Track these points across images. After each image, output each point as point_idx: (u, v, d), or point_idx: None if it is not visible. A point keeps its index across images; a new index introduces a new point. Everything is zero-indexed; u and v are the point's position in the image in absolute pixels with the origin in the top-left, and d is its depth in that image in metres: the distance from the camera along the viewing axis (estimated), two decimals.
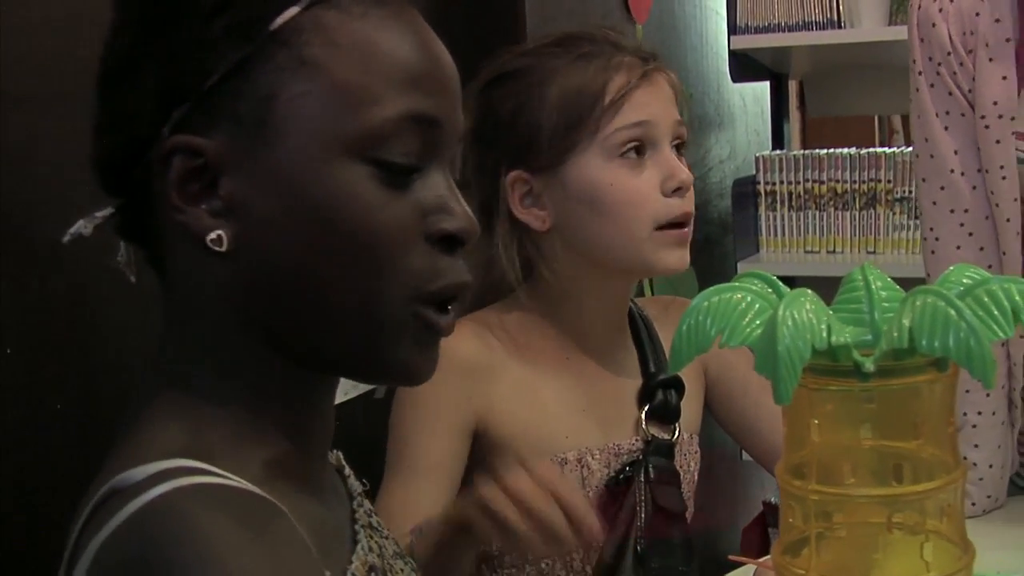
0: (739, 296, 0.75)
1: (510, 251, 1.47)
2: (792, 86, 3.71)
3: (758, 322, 0.74)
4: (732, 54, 3.17)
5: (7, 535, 1.28)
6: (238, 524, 0.72)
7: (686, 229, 1.45)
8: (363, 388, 1.90)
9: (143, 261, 0.88)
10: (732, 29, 3.10)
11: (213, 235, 0.79)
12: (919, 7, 1.60)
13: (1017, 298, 0.71)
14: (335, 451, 1.00)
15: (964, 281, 0.78)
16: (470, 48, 1.59)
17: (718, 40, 3.22)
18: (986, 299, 0.70)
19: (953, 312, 0.67)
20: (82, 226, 0.84)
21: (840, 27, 3.00)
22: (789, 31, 3.04)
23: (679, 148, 1.47)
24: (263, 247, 0.80)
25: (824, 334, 0.68)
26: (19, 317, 1.29)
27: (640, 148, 1.43)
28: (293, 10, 0.79)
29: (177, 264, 0.84)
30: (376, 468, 1.91)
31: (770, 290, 0.79)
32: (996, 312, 0.69)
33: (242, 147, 0.79)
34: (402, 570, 0.98)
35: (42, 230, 0.84)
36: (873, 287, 0.80)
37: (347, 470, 1.01)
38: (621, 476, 1.47)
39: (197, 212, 0.80)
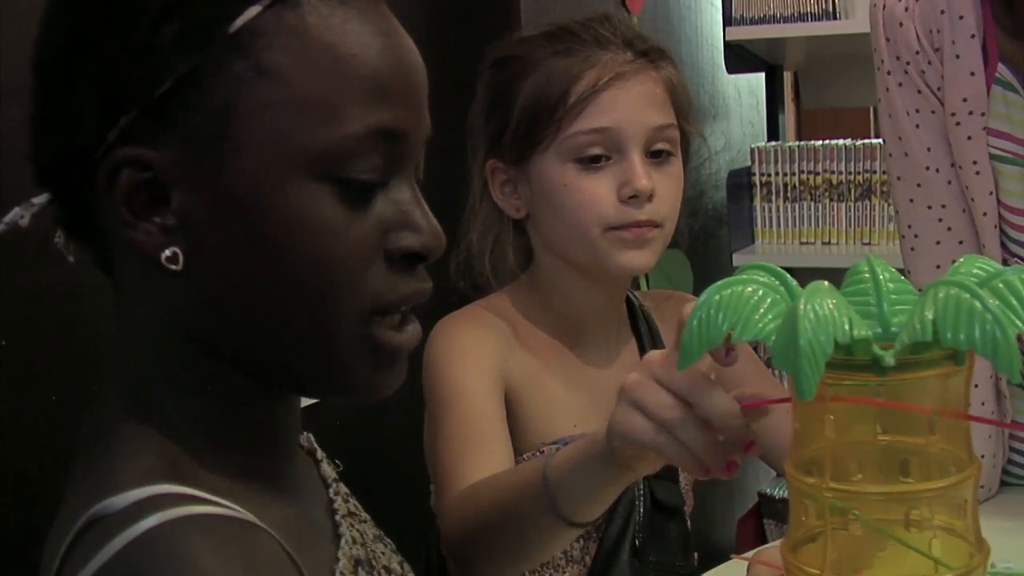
0: (750, 289, 0.73)
1: (484, 239, 1.48)
2: (787, 77, 3.70)
3: (770, 316, 0.72)
4: (727, 45, 3.17)
5: (3, 526, 1.27)
6: (232, 557, 0.70)
7: (644, 229, 1.40)
8: None
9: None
10: (727, 20, 3.09)
11: (168, 252, 0.75)
12: (883, 7, 1.60)
13: None
14: (306, 433, 0.99)
15: (976, 272, 0.76)
16: (464, 38, 1.59)
17: (713, 31, 3.21)
18: (1005, 290, 0.69)
19: (978, 304, 0.66)
20: (18, 215, 0.80)
21: (835, 18, 3.00)
22: (784, 22, 3.04)
23: (661, 152, 1.42)
24: (216, 266, 0.76)
25: (846, 327, 0.67)
26: (13, 309, 1.27)
27: (601, 153, 1.39)
28: (254, 10, 0.74)
29: (126, 276, 0.80)
30: (372, 456, 1.90)
31: (778, 282, 0.78)
32: (1016, 303, 0.68)
33: (195, 161, 0.75)
34: (383, 553, 0.97)
35: (35, 221, 0.82)
36: (881, 279, 0.78)
37: (319, 453, 0.99)
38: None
39: (149, 228, 0.76)
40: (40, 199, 0.81)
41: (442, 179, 1.53)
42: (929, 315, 0.68)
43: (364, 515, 0.99)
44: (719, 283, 0.75)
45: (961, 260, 0.79)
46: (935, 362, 0.71)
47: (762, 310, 0.73)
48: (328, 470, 0.98)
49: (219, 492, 0.75)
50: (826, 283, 0.71)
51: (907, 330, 0.68)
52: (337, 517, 0.91)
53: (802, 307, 0.66)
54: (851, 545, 0.77)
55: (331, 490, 0.95)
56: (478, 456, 1.31)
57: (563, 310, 1.50)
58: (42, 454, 1.29)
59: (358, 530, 0.94)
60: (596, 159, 1.39)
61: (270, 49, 0.74)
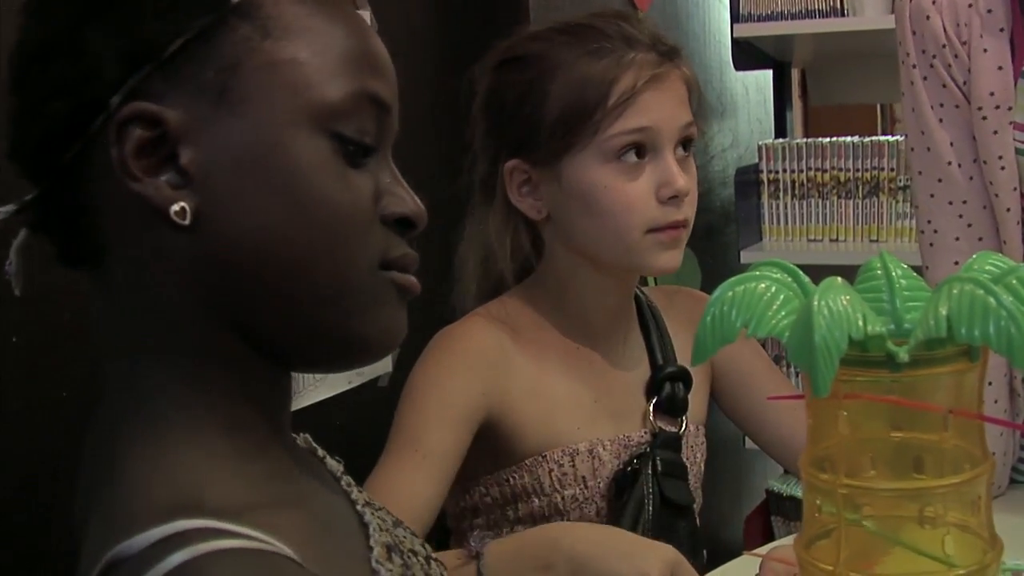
0: (764, 286, 0.73)
1: (503, 237, 1.48)
2: (795, 74, 3.70)
3: (783, 312, 0.72)
4: (735, 42, 3.16)
5: (10, 522, 1.28)
6: None
7: (679, 230, 1.43)
8: (367, 375, 1.89)
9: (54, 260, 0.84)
10: (735, 17, 3.09)
11: (177, 207, 0.76)
12: (910, 0, 1.60)
13: None
14: (303, 434, 0.99)
15: (989, 269, 0.76)
16: (472, 32, 1.59)
17: (721, 28, 3.21)
18: (1019, 287, 0.69)
19: (993, 300, 0.66)
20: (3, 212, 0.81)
21: (843, 15, 2.99)
22: (792, 19, 3.03)
23: (686, 147, 1.45)
24: (228, 220, 0.77)
25: (860, 324, 0.67)
26: (24, 307, 1.28)
27: (640, 152, 1.40)
28: None
29: (127, 248, 0.79)
30: (374, 455, 1.91)
31: (791, 279, 0.78)
32: None
33: (204, 116, 0.77)
34: (406, 537, 0.97)
35: None
36: (893, 275, 0.79)
37: (320, 451, 1.00)
38: (628, 469, 1.46)
39: (157, 183, 0.77)
40: (5, 209, 0.81)
41: (454, 180, 1.53)
42: (943, 311, 0.68)
43: (377, 503, 0.99)
44: (732, 279, 0.75)
45: (974, 257, 0.79)
46: (949, 358, 0.71)
47: (775, 306, 0.73)
48: (334, 464, 0.99)
49: (236, 509, 0.74)
50: (840, 279, 0.71)
51: (922, 326, 0.68)
52: (359, 507, 0.92)
53: (816, 303, 0.66)
54: (864, 541, 0.78)
55: (343, 482, 0.96)
56: (395, 493, 1.31)
57: (574, 311, 1.49)
58: (51, 452, 1.29)
59: (379, 516, 0.94)
60: (640, 154, 1.40)
61: (271, 17, 0.78)
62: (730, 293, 0.74)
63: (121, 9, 0.77)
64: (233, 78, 0.77)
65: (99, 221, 0.80)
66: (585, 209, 1.42)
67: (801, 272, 0.79)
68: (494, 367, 1.43)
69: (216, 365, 0.80)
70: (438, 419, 1.39)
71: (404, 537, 0.97)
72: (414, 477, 1.34)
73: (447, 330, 1.48)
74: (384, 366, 1.94)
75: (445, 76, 2.01)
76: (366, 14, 1.85)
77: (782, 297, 0.73)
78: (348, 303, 0.80)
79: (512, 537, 1.25)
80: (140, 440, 0.78)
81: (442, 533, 1.55)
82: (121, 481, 0.76)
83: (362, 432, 1.90)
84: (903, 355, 0.68)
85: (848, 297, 0.68)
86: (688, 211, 1.43)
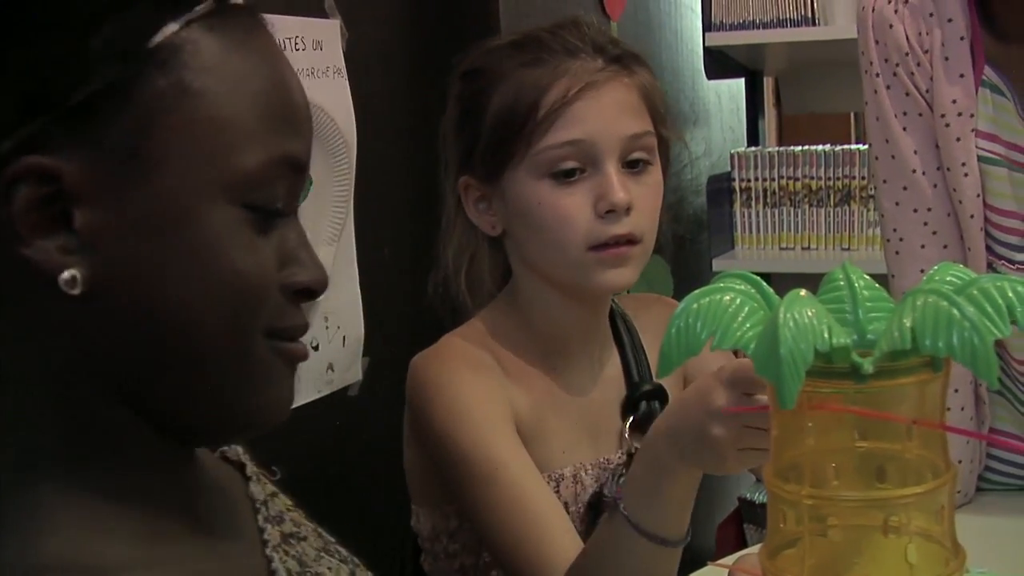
0: (728, 297, 0.74)
1: (460, 257, 1.44)
2: (767, 83, 3.72)
3: (749, 324, 0.72)
4: (707, 51, 3.18)
5: None
6: None
7: (624, 247, 1.35)
8: (337, 385, 1.89)
9: None
10: (707, 26, 3.11)
11: (66, 275, 0.71)
12: (872, 9, 1.61)
13: (1011, 295, 0.70)
14: (235, 447, 0.96)
15: (951, 280, 0.77)
16: (443, 44, 1.59)
17: (693, 37, 3.22)
18: (980, 298, 0.69)
19: (956, 311, 0.66)
20: None
21: (815, 24, 3.02)
22: (764, 28, 3.06)
23: (639, 163, 1.37)
24: (124, 289, 0.72)
25: (826, 336, 0.67)
26: None
27: (575, 167, 1.34)
28: (172, 27, 0.73)
29: (14, 305, 0.74)
30: (343, 464, 1.90)
31: (754, 290, 0.78)
32: (991, 310, 0.68)
33: (106, 176, 0.71)
34: (330, 568, 0.93)
35: None
36: (856, 286, 0.79)
37: (249, 469, 0.96)
38: (605, 492, 1.42)
39: (45, 246, 0.71)
40: None
41: (428, 193, 1.52)
42: (908, 323, 0.68)
43: (304, 531, 0.95)
44: (697, 291, 0.75)
45: (936, 268, 0.80)
46: (913, 369, 0.71)
47: (740, 318, 0.73)
48: (258, 489, 0.94)
49: (122, 567, 0.72)
50: (804, 291, 0.71)
51: (886, 338, 0.69)
52: (268, 550, 0.87)
53: (782, 316, 0.67)
54: (829, 551, 0.78)
55: (260, 516, 0.91)
56: (549, 533, 1.29)
57: (545, 330, 1.44)
58: None
59: (294, 556, 0.90)
60: (570, 173, 1.34)
61: (189, 68, 0.73)
62: (695, 305, 0.74)
63: (20, 49, 0.71)
64: (144, 139, 0.72)
65: None
66: (524, 225, 1.38)
67: (764, 283, 0.79)
68: (503, 384, 1.40)
69: (98, 431, 0.76)
70: (492, 429, 1.34)
71: (328, 568, 0.93)
72: (524, 487, 1.31)
73: (432, 353, 1.43)
74: (354, 375, 1.94)
75: (417, 86, 2.02)
76: (336, 23, 1.86)
77: (747, 309, 0.73)
78: (242, 374, 0.77)
79: (634, 474, 1.20)
80: (21, 496, 0.74)
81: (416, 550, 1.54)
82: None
83: (331, 442, 1.90)
84: (868, 366, 0.69)
85: (813, 310, 0.68)
86: (635, 225, 1.35)
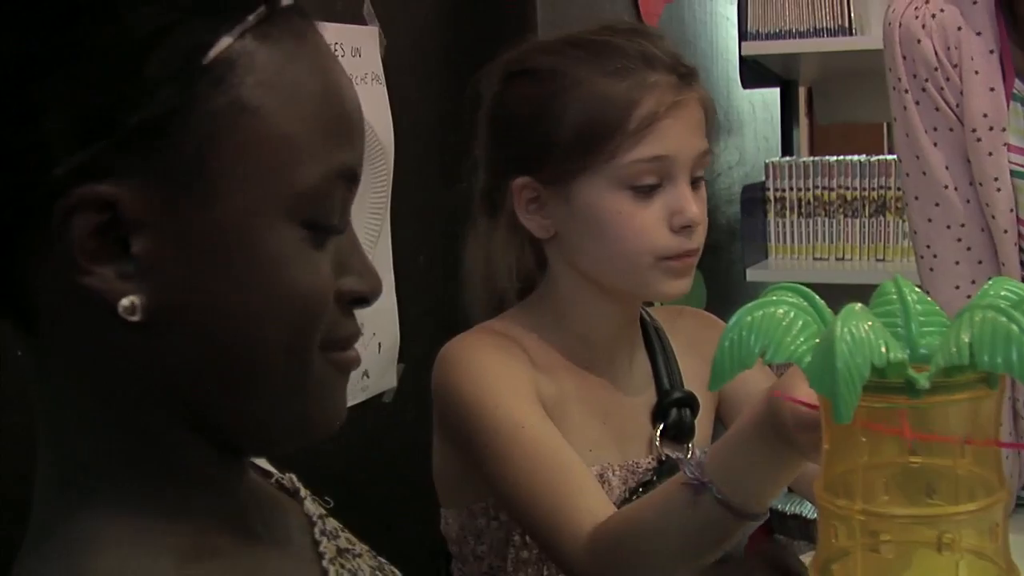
0: (782, 311, 0.73)
1: (507, 255, 1.43)
2: (801, 92, 3.71)
3: (803, 338, 0.72)
4: (742, 60, 3.17)
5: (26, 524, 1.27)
6: None
7: (691, 259, 1.39)
8: (372, 391, 1.89)
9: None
10: (743, 35, 3.09)
11: (126, 302, 0.70)
12: (900, 25, 1.60)
13: None
14: (289, 475, 0.96)
15: (1005, 295, 0.76)
16: (481, 51, 1.59)
17: (728, 46, 3.22)
18: None
19: (1015, 327, 0.66)
20: None
21: (850, 34, 3.00)
22: (799, 37, 3.04)
23: (699, 175, 1.39)
24: (184, 312, 0.71)
25: (882, 350, 0.67)
26: None
27: (654, 182, 1.35)
28: (226, 40, 0.71)
29: (64, 330, 0.73)
30: (376, 471, 1.90)
31: (807, 303, 0.78)
32: None
33: (164, 201, 0.70)
34: None
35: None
36: (908, 300, 0.79)
37: (303, 492, 0.96)
38: (634, 498, 1.41)
39: (104, 274, 0.70)
40: None
41: (464, 201, 1.52)
42: (965, 338, 0.67)
43: (359, 548, 0.96)
44: (750, 304, 0.75)
45: (989, 283, 0.79)
46: (968, 385, 0.71)
47: (794, 331, 0.73)
48: (312, 507, 0.94)
49: None
50: (860, 305, 0.71)
51: (943, 353, 0.68)
52: (324, 562, 0.87)
53: (839, 330, 0.66)
54: (879, 566, 0.77)
55: (316, 529, 0.91)
56: (571, 486, 1.27)
57: (580, 331, 1.45)
58: None
59: (349, 570, 0.90)
60: (650, 188, 1.35)
61: (245, 84, 0.71)
62: (748, 318, 0.74)
63: (75, 74, 0.68)
64: (202, 162, 0.70)
65: (33, 298, 0.73)
66: (594, 233, 1.38)
67: (816, 296, 0.79)
68: (530, 369, 1.40)
69: (155, 451, 0.76)
70: (516, 394, 1.35)
71: None
72: (548, 445, 1.30)
73: (461, 339, 1.43)
74: (389, 381, 1.94)
75: (453, 88, 2.01)
76: (375, 29, 1.86)
77: (800, 322, 0.73)
78: (300, 388, 0.77)
79: (718, 449, 1.15)
80: (67, 522, 0.74)
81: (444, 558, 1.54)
82: (40, 553, 0.74)
83: (366, 449, 1.90)
84: (924, 382, 0.68)
85: (870, 324, 0.68)
86: (700, 239, 1.39)
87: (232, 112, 0.70)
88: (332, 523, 0.95)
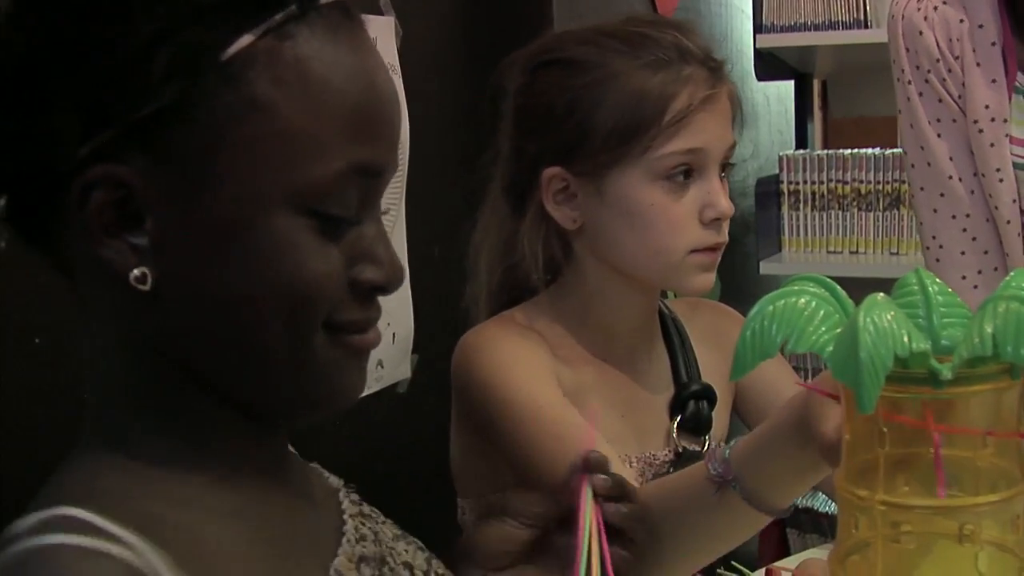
0: (804, 301, 0.73)
1: (534, 244, 1.43)
2: (816, 85, 3.70)
3: (824, 328, 0.72)
4: (757, 52, 3.16)
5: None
6: None
7: (719, 252, 1.41)
8: (386, 381, 1.90)
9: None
10: (758, 27, 3.09)
11: (137, 272, 0.76)
12: (903, 17, 1.60)
13: None
14: (312, 464, 1.00)
15: None
16: (497, 41, 1.59)
17: (742, 38, 3.21)
18: None
19: None
20: None
21: (866, 27, 3.00)
22: (815, 30, 3.03)
23: (724, 168, 1.41)
24: (191, 289, 0.77)
25: (905, 340, 0.67)
26: (48, 308, 1.28)
27: (687, 172, 1.37)
28: (247, 38, 0.74)
29: (90, 292, 0.81)
30: (391, 460, 1.91)
31: (828, 294, 0.77)
32: None
33: (175, 185, 0.75)
34: (405, 550, 0.96)
35: None
36: (930, 291, 0.78)
37: (326, 475, 1.00)
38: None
39: (119, 247, 0.76)
40: None
41: (479, 192, 1.52)
42: (989, 329, 0.67)
43: (382, 517, 0.99)
44: (772, 294, 0.75)
45: (1012, 274, 0.79)
46: (990, 376, 0.71)
47: (816, 321, 0.73)
48: (336, 481, 0.99)
49: (162, 522, 0.76)
50: (882, 295, 0.71)
51: (966, 344, 0.68)
52: (345, 516, 0.92)
53: (862, 320, 0.66)
54: (898, 557, 0.77)
55: (341, 493, 0.97)
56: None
57: (604, 322, 1.45)
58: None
59: (371, 529, 0.94)
60: (683, 180, 1.37)
61: (261, 80, 0.74)
62: (770, 308, 0.74)
63: (95, 63, 0.74)
64: (209, 153, 0.74)
65: (68, 249, 0.80)
66: (627, 225, 1.38)
67: (838, 287, 0.79)
68: (551, 357, 1.41)
69: (172, 399, 0.82)
70: (535, 376, 1.36)
71: (404, 550, 0.96)
72: (568, 424, 1.30)
73: (483, 327, 1.44)
74: (404, 372, 1.95)
75: (470, 81, 2.01)
76: (391, 20, 1.86)
77: (822, 312, 0.73)
78: (301, 366, 0.80)
79: (746, 445, 1.13)
80: (92, 449, 0.82)
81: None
82: (58, 479, 0.80)
83: (380, 439, 1.90)
84: (947, 373, 0.68)
85: (893, 314, 0.68)
86: (726, 232, 1.40)
87: (242, 107, 0.74)
88: (355, 496, 0.99)
